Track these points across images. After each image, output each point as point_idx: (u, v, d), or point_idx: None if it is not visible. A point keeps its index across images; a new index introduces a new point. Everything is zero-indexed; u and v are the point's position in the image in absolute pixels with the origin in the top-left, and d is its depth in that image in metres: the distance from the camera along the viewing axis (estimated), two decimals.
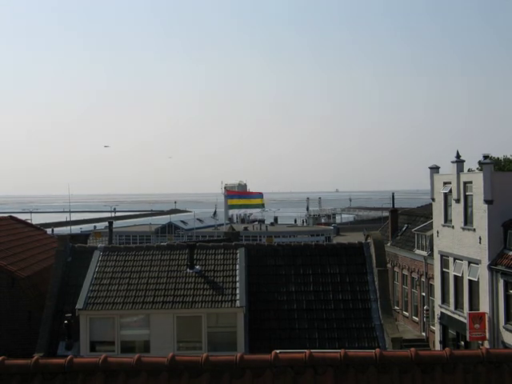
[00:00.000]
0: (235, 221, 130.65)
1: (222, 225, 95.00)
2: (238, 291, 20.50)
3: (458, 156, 35.22)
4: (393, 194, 58.35)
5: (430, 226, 40.37)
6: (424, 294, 42.18)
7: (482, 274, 32.28)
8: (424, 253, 41.65)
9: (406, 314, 45.63)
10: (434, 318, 39.68)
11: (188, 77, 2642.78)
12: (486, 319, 31.88)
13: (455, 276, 35.58)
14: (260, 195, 66.47)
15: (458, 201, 34.84)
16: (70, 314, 19.96)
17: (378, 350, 7.52)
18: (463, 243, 34.29)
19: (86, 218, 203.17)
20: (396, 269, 46.97)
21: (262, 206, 67.34)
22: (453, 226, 35.50)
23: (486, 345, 31.38)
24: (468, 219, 34.06)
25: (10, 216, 31.43)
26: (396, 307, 45.10)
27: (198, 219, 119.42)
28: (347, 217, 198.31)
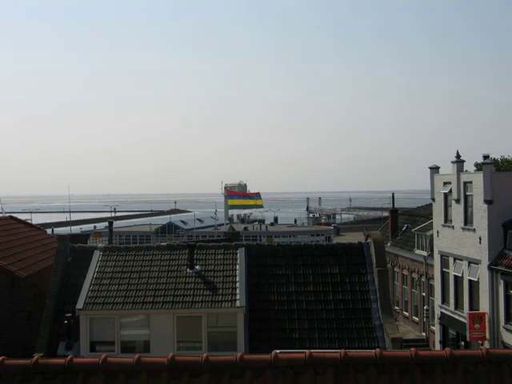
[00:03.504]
0: (235, 221, 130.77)
1: (222, 225, 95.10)
2: (238, 291, 20.51)
3: (458, 156, 35.22)
4: (393, 194, 58.20)
5: (430, 226, 40.36)
6: (424, 294, 42.17)
7: (482, 274, 32.28)
8: (424, 253, 41.65)
9: (406, 314, 45.63)
10: (434, 318, 39.67)
11: (193, 76, 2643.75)
12: (486, 319, 31.88)
13: (455, 276, 35.58)
14: (258, 196, 66.77)
15: (458, 201, 34.84)
16: (70, 314, 19.97)
17: (378, 349, 7.52)
18: (463, 243, 34.29)
19: (85, 218, 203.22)
20: (396, 269, 46.96)
21: (261, 206, 67.65)
22: (453, 226, 35.50)
23: (486, 345, 31.38)
24: (468, 219, 34.06)
25: (10, 216, 31.44)
26: (396, 307, 45.09)
27: (197, 219, 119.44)
28: (347, 217, 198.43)
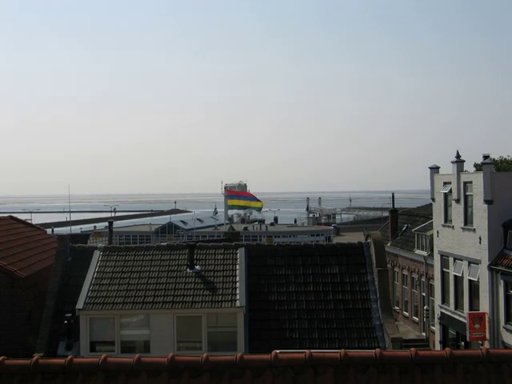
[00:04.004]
0: (235, 221, 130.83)
1: (222, 225, 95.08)
2: (238, 291, 20.51)
3: (458, 156, 35.23)
4: (393, 194, 58.21)
5: (430, 226, 40.38)
6: (424, 294, 42.18)
7: (482, 274, 32.29)
8: (424, 253, 41.66)
9: (406, 314, 45.64)
10: (434, 318, 39.69)
11: (193, 77, 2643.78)
12: (486, 319, 31.89)
13: (455, 276, 35.59)
14: (254, 198, 66.99)
15: (458, 201, 34.84)
16: (69, 314, 19.97)
17: (378, 349, 7.52)
18: (463, 243, 34.30)
19: (85, 218, 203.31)
20: (396, 269, 46.97)
21: (260, 209, 67.93)
22: (453, 226, 35.50)
23: (486, 345, 31.38)
24: (468, 219, 34.06)
25: (10, 216, 31.42)
26: (396, 307, 45.10)
27: (197, 219, 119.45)
28: (347, 217, 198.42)
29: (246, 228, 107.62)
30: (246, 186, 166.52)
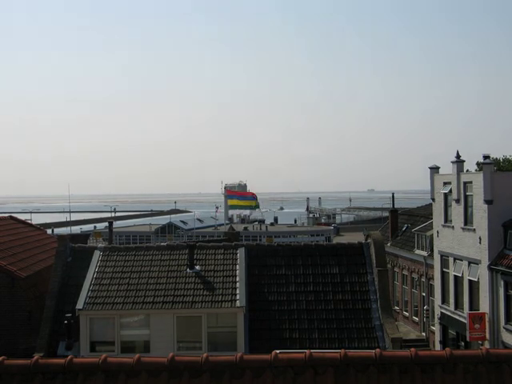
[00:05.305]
0: (235, 221, 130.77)
1: (222, 225, 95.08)
2: (238, 291, 20.51)
3: (458, 156, 35.23)
4: (393, 194, 58.21)
5: (430, 226, 40.37)
6: (424, 294, 42.17)
7: (482, 274, 32.28)
8: (424, 253, 41.65)
9: (406, 314, 45.63)
10: (434, 318, 39.68)
11: (194, 79, 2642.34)
12: (486, 319, 31.87)
13: (455, 276, 35.58)
14: (253, 197, 66.58)
15: (458, 201, 34.83)
16: (70, 314, 19.96)
17: (378, 350, 7.53)
18: (463, 243, 34.29)
19: (85, 218, 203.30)
20: (396, 269, 46.96)
21: (257, 207, 67.59)
22: (453, 227, 35.49)
23: (486, 345, 31.37)
24: (468, 219, 34.05)
25: (10, 216, 31.42)
26: (396, 307, 45.08)
27: (197, 219, 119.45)
28: (347, 217, 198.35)
29: (246, 228, 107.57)
30: (245, 186, 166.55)
